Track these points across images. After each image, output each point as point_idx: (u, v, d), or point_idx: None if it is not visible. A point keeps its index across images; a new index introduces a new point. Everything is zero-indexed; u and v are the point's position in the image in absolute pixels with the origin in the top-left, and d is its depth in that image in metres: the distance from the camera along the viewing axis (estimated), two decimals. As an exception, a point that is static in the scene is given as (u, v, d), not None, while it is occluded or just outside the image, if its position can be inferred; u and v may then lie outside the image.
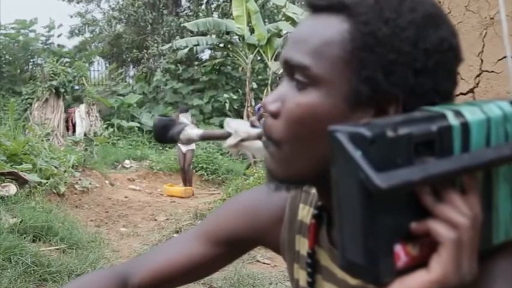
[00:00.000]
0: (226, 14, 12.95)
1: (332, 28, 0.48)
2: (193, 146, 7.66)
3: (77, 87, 11.33)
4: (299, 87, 0.49)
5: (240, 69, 11.73)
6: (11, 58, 12.58)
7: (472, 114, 0.44)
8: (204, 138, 0.62)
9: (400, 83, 0.46)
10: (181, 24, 12.81)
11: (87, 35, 16.21)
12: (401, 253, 0.41)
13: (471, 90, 0.95)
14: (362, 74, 0.47)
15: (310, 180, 0.53)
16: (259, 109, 6.21)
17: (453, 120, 0.43)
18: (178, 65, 12.42)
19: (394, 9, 0.46)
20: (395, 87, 0.46)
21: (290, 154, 0.51)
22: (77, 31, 15.99)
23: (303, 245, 0.63)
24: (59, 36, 14.98)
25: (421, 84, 0.46)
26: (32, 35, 13.03)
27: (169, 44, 11.56)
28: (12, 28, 12.60)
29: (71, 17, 16.10)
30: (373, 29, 0.46)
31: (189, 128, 0.60)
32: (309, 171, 0.51)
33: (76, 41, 15.83)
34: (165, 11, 14.73)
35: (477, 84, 0.92)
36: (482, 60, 0.90)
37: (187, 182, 7.56)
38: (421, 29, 0.46)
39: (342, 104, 0.47)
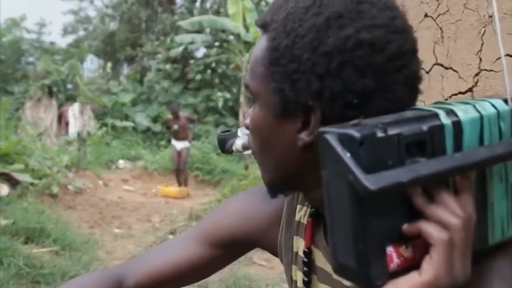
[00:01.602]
0: (220, 12, 12.94)
1: (260, 47, 0.52)
2: (187, 144, 7.63)
3: (69, 86, 11.26)
4: (251, 103, 0.54)
5: (232, 66, 11.69)
6: (4, 57, 12.49)
7: (465, 113, 0.43)
8: (244, 148, 0.67)
9: (304, 91, 0.47)
10: (176, 23, 12.77)
11: (81, 33, 16.16)
12: (394, 255, 0.41)
13: (470, 89, 0.93)
14: (273, 87, 0.49)
15: (284, 186, 0.56)
16: None
17: (445, 119, 0.42)
18: (170, 64, 12.38)
19: (298, 18, 0.47)
20: (301, 95, 0.47)
21: (258, 162, 0.56)
22: (70, 29, 15.93)
23: (300, 246, 0.63)
24: (49, 34, 14.95)
25: (329, 88, 0.46)
26: (23, 32, 12.97)
27: (167, 38, 11.48)
28: (4, 29, 12.53)
29: (64, 14, 16.05)
30: (277, 43, 0.48)
31: (237, 139, 0.68)
32: (276, 176, 0.54)
33: (70, 38, 15.79)
34: (159, 9, 14.68)
35: (476, 83, 0.91)
36: (480, 59, 0.89)
37: (182, 182, 7.54)
38: (321, 32, 0.46)
39: (270, 116, 0.51)
